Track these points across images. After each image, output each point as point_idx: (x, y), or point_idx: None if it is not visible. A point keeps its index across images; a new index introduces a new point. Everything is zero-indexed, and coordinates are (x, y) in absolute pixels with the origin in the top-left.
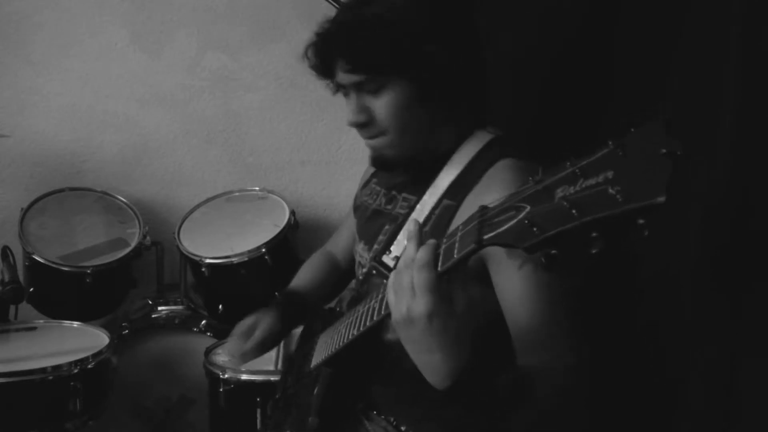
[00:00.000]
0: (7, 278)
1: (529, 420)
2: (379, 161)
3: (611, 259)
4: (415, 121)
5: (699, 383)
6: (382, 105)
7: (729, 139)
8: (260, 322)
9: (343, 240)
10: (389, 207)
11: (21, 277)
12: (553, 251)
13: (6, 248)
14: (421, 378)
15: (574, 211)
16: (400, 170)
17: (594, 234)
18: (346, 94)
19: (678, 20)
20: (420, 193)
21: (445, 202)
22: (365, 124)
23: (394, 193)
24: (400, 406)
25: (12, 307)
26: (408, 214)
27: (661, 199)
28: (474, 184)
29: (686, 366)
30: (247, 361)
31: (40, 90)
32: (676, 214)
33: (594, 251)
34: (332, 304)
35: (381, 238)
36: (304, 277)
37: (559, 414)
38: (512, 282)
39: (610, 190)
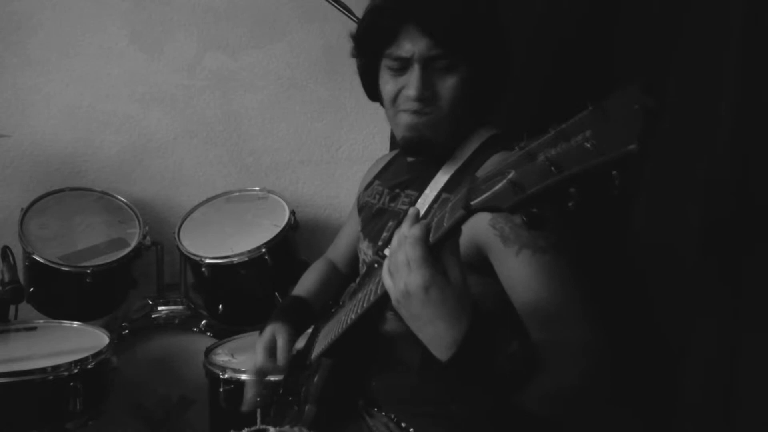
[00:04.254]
0: (7, 278)
1: (544, 394)
2: (415, 141)
3: (611, 245)
4: (464, 109)
5: (699, 364)
6: (449, 85)
7: (729, 128)
8: (278, 335)
9: (342, 247)
10: (392, 204)
11: (21, 277)
12: (534, 210)
13: (6, 248)
14: (421, 372)
15: (553, 168)
16: (427, 155)
17: (572, 189)
18: (399, 69)
19: (677, 20)
20: (421, 190)
21: (444, 195)
22: (428, 101)
23: (397, 191)
24: (401, 403)
25: (12, 307)
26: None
27: (633, 147)
28: None
29: (686, 347)
30: (258, 386)
31: (40, 90)
32: (677, 195)
33: (572, 205)
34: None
35: (385, 234)
36: (306, 284)
37: (580, 392)
38: (513, 268)
39: (587, 145)
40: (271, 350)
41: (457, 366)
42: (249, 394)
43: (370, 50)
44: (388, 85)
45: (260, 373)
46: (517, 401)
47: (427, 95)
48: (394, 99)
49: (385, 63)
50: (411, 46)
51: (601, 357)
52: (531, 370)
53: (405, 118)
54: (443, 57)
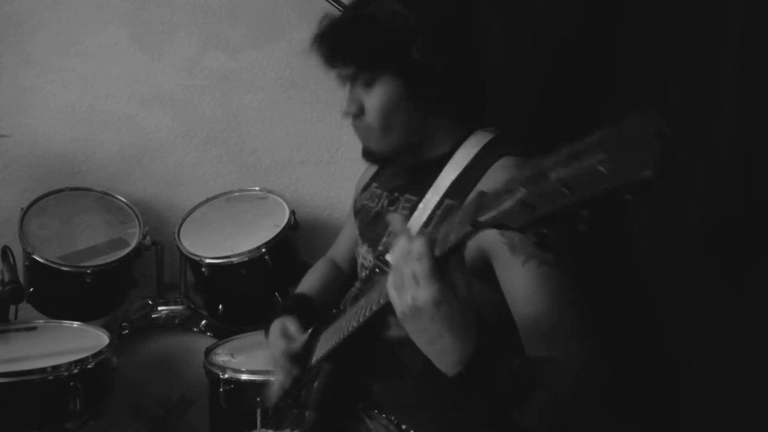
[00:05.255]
0: (7, 278)
1: (545, 410)
2: (366, 153)
3: (611, 250)
4: (401, 119)
5: (699, 365)
6: (371, 99)
7: (730, 123)
8: (287, 322)
9: (343, 247)
10: (392, 209)
11: (21, 277)
12: (545, 230)
13: (6, 248)
14: (423, 377)
15: (565, 190)
16: (387, 164)
17: (584, 212)
18: (344, 86)
19: (678, 21)
20: (422, 194)
21: (447, 201)
22: (355, 115)
23: (396, 194)
24: (401, 406)
25: (12, 307)
26: (410, 215)
27: (648, 174)
28: (475, 183)
29: (686, 348)
30: (287, 367)
31: (40, 90)
32: (677, 196)
33: (583, 228)
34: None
35: (385, 239)
36: (309, 283)
37: (576, 404)
38: (517, 278)
39: (601, 169)
40: (285, 335)
41: (462, 381)
42: (276, 385)
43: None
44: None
45: (286, 356)
46: (516, 415)
47: (353, 110)
48: None
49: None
50: (339, 66)
51: (596, 370)
52: (531, 387)
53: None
54: (360, 73)
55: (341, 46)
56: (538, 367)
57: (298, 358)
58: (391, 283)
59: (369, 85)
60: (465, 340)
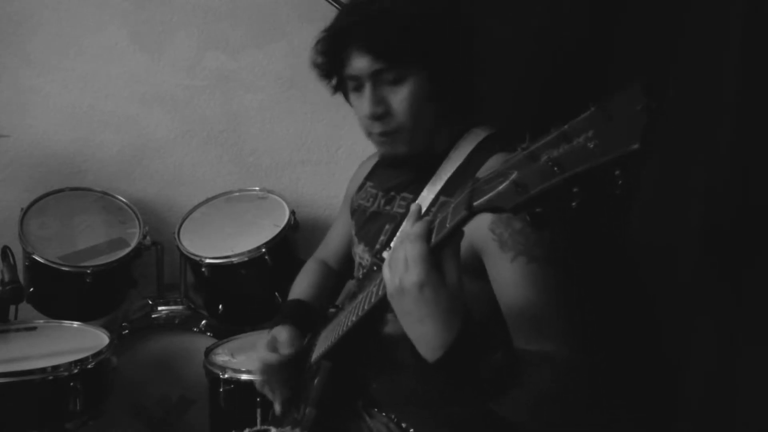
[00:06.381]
0: (7, 278)
1: (523, 403)
2: (390, 157)
3: (611, 249)
4: (427, 116)
5: (699, 365)
6: (400, 97)
7: (730, 123)
8: (281, 333)
9: (333, 246)
10: (388, 208)
11: (21, 277)
12: (538, 209)
13: (6, 248)
14: (421, 374)
15: (556, 169)
16: (407, 167)
17: (575, 189)
18: (357, 88)
19: (678, 20)
20: (418, 192)
21: (443, 198)
22: (382, 116)
23: (392, 194)
24: (401, 404)
25: (12, 307)
26: (407, 213)
27: (635, 146)
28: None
29: (686, 347)
30: (272, 375)
31: (40, 90)
32: (677, 195)
33: (575, 205)
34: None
35: (382, 238)
36: (302, 287)
37: (558, 401)
38: (506, 273)
39: (589, 145)
40: (273, 346)
41: (442, 368)
42: (261, 385)
43: (332, 75)
44: (354, 105)
45: (263, 365)
46: (494, 406)
47: (380, 111)
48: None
49: (348, 84)
50: (358, 64)
51: (580, 367)
52: (511, 381)
53: (376, 143)
54: (388, 70)
55: (372, 42)
56: (521, 362)
57: (295, 364)
58: (386, 263)
59: (397, 82)
60: (447, 327)
